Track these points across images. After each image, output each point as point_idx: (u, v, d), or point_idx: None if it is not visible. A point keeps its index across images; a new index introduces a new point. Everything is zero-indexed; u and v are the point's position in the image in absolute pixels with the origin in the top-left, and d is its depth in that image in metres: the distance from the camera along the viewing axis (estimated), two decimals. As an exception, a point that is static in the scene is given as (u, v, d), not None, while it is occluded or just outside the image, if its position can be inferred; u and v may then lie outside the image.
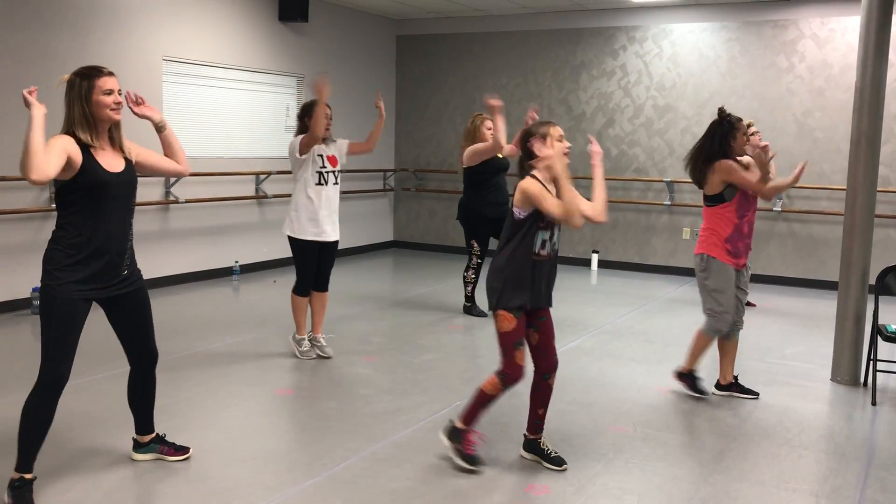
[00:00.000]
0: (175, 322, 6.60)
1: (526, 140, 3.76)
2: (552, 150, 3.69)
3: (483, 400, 3.72)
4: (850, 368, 5.35)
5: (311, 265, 5.50)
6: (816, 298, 8.35)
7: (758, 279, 9.17)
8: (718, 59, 9.36)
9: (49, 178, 3.02)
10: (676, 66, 9.59)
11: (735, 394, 5.00)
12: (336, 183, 5.51)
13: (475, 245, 6.95)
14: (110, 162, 3.33)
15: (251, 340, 6.03)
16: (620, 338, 6.43)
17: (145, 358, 3.64)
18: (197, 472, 3.67)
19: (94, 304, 3.42)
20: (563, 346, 6.13)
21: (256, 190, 9.10)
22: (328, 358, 5.61)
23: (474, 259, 6.96)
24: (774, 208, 9.08)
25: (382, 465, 3.81)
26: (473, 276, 7.02)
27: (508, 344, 3.65)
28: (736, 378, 5.05)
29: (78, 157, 3.20)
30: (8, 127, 6.64)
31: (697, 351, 4.94)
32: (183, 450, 3.79)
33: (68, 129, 3.26)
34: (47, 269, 3.27)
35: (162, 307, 7.16)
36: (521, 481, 3.66)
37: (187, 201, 8.16)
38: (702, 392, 4.98)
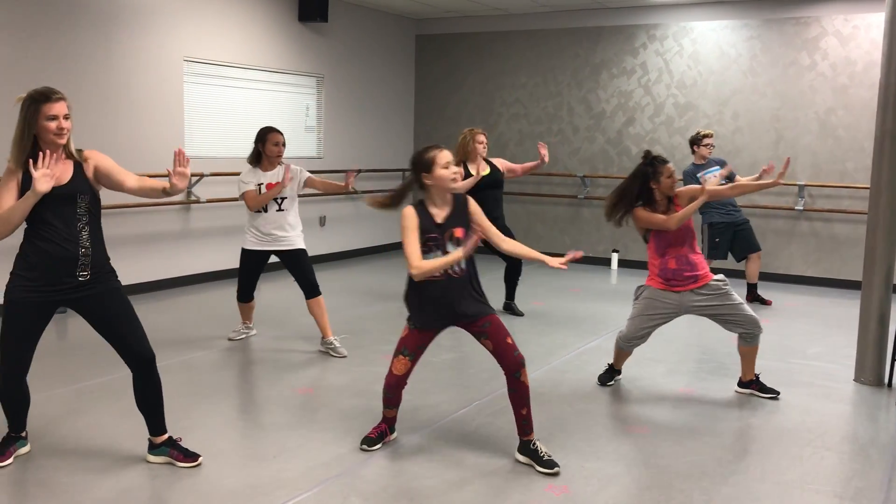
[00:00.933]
0: (195, 321, 6.64)
1: (415, 169, 3.83)
2: (439, 175, 3.74)
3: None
4: (874, 369, 5.30)
5: (248, 273, 5.76)
6: (839, 298, 8.27)
7: (779, 279, 9.10)
8: (739, 56, 9.29)
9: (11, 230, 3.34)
10: (697, 64, 9.53)
11: (755, 392, 4.96)
12: (280, 210, 5.60)
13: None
14: (55, 176, 3.37)
15: (271, 339, 6.06)
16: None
17: (136, 360, 3.62)
18: (217, 470, 3.70)
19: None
20: (584, 345, 6.11)
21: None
22: (343, 357, 5.63)
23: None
24: (796, 207, 9.00)
25: (402, 464, 3.82)
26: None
27: (397, 348, 3.91)
28: (757, 377, 5.01)
29: (19, 176, 3.37)
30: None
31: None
32: (193, 456, 3.73)
33: (16, 151, 3.40)
34: (11, 272, 3.49)
35: (183, 306, 7.21)
36: (540, 481, 3.65)
37: (208, 201, 8.21)
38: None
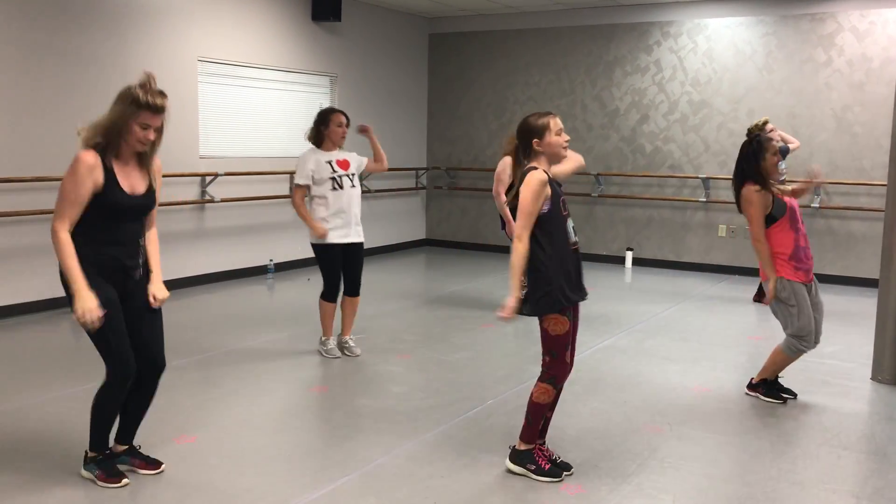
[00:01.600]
0: (210, 320, 6.67)
1: (525, 136, 3.60)
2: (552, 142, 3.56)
3: (539, 410, 3.63)
4: (892, 367, 5.25)
5: (337, 269, 5.50)
6: (856, 296, 8.21)
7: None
8: (755, 53, 9.23)
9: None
10: (712, 62, 9.48)
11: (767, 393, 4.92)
12: (353, 186, 5.51)
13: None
14: (132, 182, 3.36)
15: (286, 338, 6.08)
16: (655, 336, 6.38)
17: (150, 366, 3.53)
18: (232, 469, 3.71)
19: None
20: (598, 344, 6.09)
21: (290, 189, 9.16)
22: (354, 348, 5.65)
23: None
24: (812, 205, 8.93)
25: (416, 462, 3.82)
26: None
27: (560, 346, 3.56)
28: (775, 381, 4.94)
29: (100, 178, 3.25)
30: (48, 126, 6.76)
31: (774, 366, 4.86)
32: (155, 464, 3.64)
33: (99, 136, 3.27)
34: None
35: (198, 305, 7.24)
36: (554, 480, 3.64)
37: (223, 200, 8.24)
38: (789, 392, 4.88)
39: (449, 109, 11.27)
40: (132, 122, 3.26)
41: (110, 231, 3.34)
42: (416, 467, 3.76)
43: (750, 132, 4.70)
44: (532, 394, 3.65)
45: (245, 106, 8.66)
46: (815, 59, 8.93)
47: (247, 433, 4.16)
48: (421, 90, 11.28)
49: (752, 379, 4.96)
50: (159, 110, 3.32)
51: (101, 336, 3.32)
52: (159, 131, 3.35)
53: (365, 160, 5.69)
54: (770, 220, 4.61)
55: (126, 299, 3.42)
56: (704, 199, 9.57)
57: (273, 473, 3.67)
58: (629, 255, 9.99)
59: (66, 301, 3.28)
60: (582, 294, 3.63)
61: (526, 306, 3.60)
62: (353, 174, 5.52)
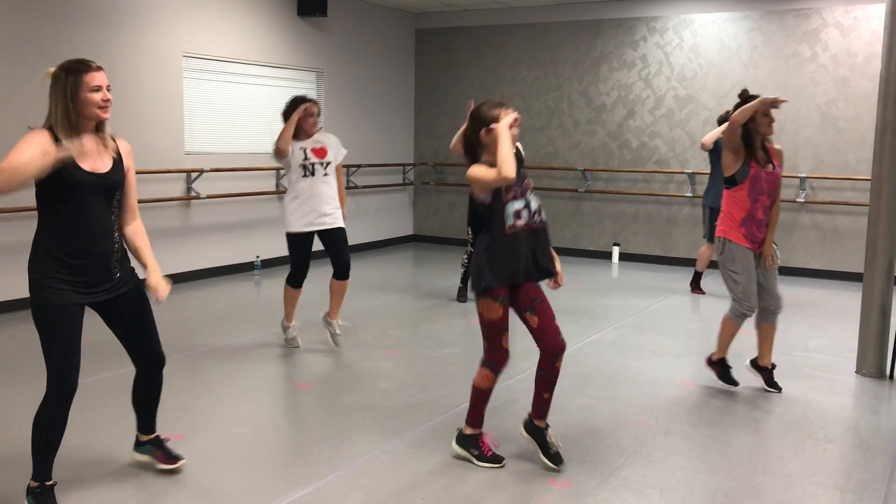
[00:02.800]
0: (197, 317, 6.65)
1: (475, 126, 3.63)
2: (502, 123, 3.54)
3: (480, 396, 3.71)
4: (876, 361, 5.29)
5: (301, 257, 5.54)
6: (840, 290, 8.26)
7: (780, 271, 9.03)
8: (740, 49, 9.26)
9: (20, 182, 2.87)
10: (697, 57, 9.51)
11: (761, 379, 4.95)
12: (326, 174, 5.49)
13: (470, 232, 7.13)
14: (94, 161, 3.14)
15: (273, 335, 6.06)
16: (642, 331, 6.40)
17: (150, 362, 3.48)
18: (218, 466, 3.70)
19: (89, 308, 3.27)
20: (585, 339, 6.10)
21: (277, 185, 9.13)
22: (337, 336, 5.65)
23: (469, 246, 7.18)
24: (798, 199, 8.98)
25: (404, 458, 3.82)
26: (467, 260, 7.27)
27: (495, 332, 3.61)
28: (773, 367, 4.97)
29: (52, 150, 2.96)
30: (32, 121, 6.69)
31: (724, 337, 4.90)
32: (173, 459, 3.59)
33: (49, 125, 3.09)
34: (35, 278, 3.11)
35: (184, 302, 7.21)
36: (542, 475, 3.65)
37: (209, 197, 8.20)
38: (732, 383, 4.94)
39: (436, 105, 11.25)
40: (82, 92, 3.08)
41: (78, 220, 3.11)
42: (404, 464, 3.76)
43: (722, 120, 4.73)
44: (474, 379, 3.71)
45: (230, 102, 8.62)
46: (800, 55, 8.97)
47: (234, 430, 4.15)
48: (408, 86, 11.26)
49: (713, 355, 4.99)
50: (97, 66, 3.16)
51: (45, 343, 3.12)
52: (110, 89, 3.19)
53: (344, 154, 5.67)
54: (730, 181, 4.67)
55: (109, 300, 3.24)
56: (691, 195, 9.60)
57: (260, 470, 3.66)
58: (616, 251, 10.02)
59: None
60: (516, 277, 3.58)
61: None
62: (327, 162, 5.51)
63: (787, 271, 9.08)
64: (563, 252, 10.33)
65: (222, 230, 8.55)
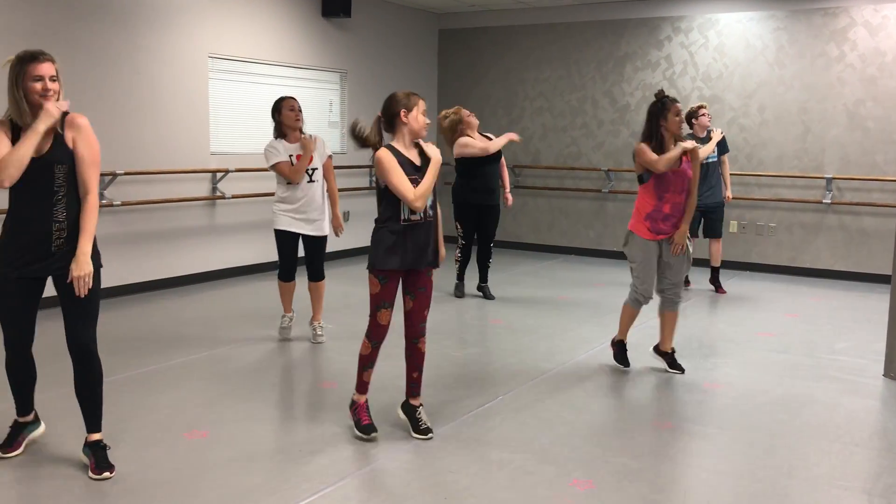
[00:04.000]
0: (221, 315, 6.69)
1: (390, 110, 3.89)
2: (417, 123, 3.87)
3: (362, 363, 4.05)
4: (904, 364, 5.22)
5: (288, 253, 5.71)
6: (867, 292, 8.16)
7: (806, 272, 9.00)
8: (766, 48, 9.18)
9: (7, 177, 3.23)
10: (723, 57, 9.44)
11: (664, 364, 5.30)
12: (312, 181, 5.58)
13: (458, 228, 7.34)
14: (39, 145, 3.28)
15: (296, 334, 6.09)
16: (666, 332, 6.35)
17: (72, 348, 3.46)
18: (243, 463, 3.72)
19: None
20: (608, 340, 6.07)
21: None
22: (319, 336, 5.83)
23: (459, 241, 7.37)
24: (824, 200, 8.89)
25: (427, 458, 3.82)
26: (460, 256, 7.42)
27: (373, 305, 3.92)
28: (673, 351, 5.29)
29: (6, 144, 3.26)
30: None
31: (624, 320, 5.31)
32: (101, 469, 3.48)
33: (11, 114, 3.31)
34: None
35: (208, 302, 7.27)
36: (564, 476, 3.64)
37: (233, 197, 8.26)
38: (625, 364, 5.31)
39: (458, 105, 11.22)
40: (25, 80, 3.26)
41: (22, 200, 3.33)
42: (426, 463, 3.76)
43: (655, 96, 5.06)
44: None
45: (255, 102, 8.67)
46: (827, 54, 8.87)
47: (257, 429, 4.18)
48: (430, 86, 11.27)
49: (615, 336, 5.37)
50: (44, 57, 3.30)
51: None
52: (55, 80, 3.30)
53: (328, 154, 5.72)
54: (640, 179, 5.05)
55: (56, 277, 3.41)
56: (715, 195, 9.52)
57: (283, 469, 3.68)
58: (639, 251, 9.95)
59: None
60: (402, 263, 3.85)
61: None
62: (313, 169, 5.59)
63: (812, 273, 9.00)
64: (586, 252, 10.30)
65: (246, 230, 8.60)
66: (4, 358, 3.62)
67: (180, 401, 4.52)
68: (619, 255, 10.07)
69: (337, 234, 5.82)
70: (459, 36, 11.15)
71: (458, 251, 7.42)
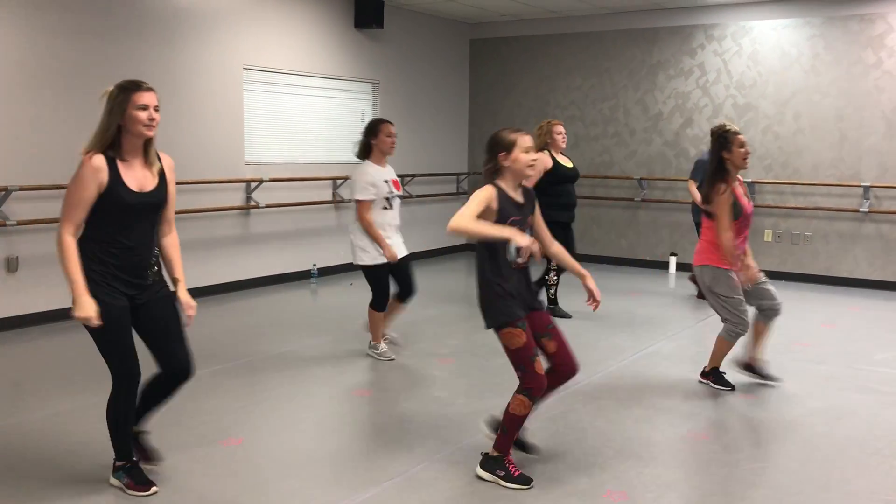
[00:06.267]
0: (255, 324, 6.76)
1: (493, 149, 3.66)
2: (518, 164, 3.61)
3: (517, 423, 3.61)
4: (945, 376, 5.12)
5: (385, 282, 5.50)
6: (907, 302, 8.02)
7: (843, 282, 8.87)
8: (801, 55, 9.09)
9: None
10: (757, 65, 9.36)
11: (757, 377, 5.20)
12: (395, 206, 5.51)
13: None
14: (139, 180, 3.31)
15: (329, 342, 6.13)
16: (700, 343, 6.30)
17: (174, 370, 3.46)
18: (277, 471, 3.75)
19: None
20: (643, 350, 6.04)
21: (333, 195, 9.24)
22: (396, 343, 5.82)
23: (552, 263, 6.93)
24: (861, 209, 8.76)
25: (459, 467, 3.82)
26: (555, 277, 7.03)
27: (526, 358, 3.56)
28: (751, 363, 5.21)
29: (104, 178, 3.21)
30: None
31: (719, 354, 5.13)
32: (146, 456, 3.61)
33: (97, 141, 3.25)
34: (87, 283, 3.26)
35: (242, 310, 7.34)
36: (598, 488, 3.63)
37: (267, 206, 8.35)
38: (728, 386, 5.10)
39: (490, 115, 11.27)
40: (129, 109, 3.23)
41: (119, 232, 3.29)
42: (460, 472, 3.77)
43: (713, 133, 4.89)
44: (509, 404, 3.61)
45: (289, 113, 8.77)
46: (864, 61, 8.76)
47: (291, 436, 4.21)
48: (462, 96, 11.31)
49: (705, 368, 5.19)
50: (147, 87, 3.29)
51: (103, 343, 3.32)
52: (157, 110, 3.30)
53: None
54: (709, 214, 4.88)
55: (140, 305, 3.37)
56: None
57: (317, 477, 3.71)
58: (673, 261, 9.88)
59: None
60: (528, 305, 3.66)
61: (484, 321, 3.71)
62: (401, 195, 5.58)
63: (849, 283, 8.86)
64: (619, 262, 10.25)
65: (280, 239, 8.68)
66: (115, 398, 3.43)
67: (214, 408, 4.57)
68: (651, 265, 10.01)
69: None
70: (491, 46, 11.17)
71: (553, 274, 7.02)
